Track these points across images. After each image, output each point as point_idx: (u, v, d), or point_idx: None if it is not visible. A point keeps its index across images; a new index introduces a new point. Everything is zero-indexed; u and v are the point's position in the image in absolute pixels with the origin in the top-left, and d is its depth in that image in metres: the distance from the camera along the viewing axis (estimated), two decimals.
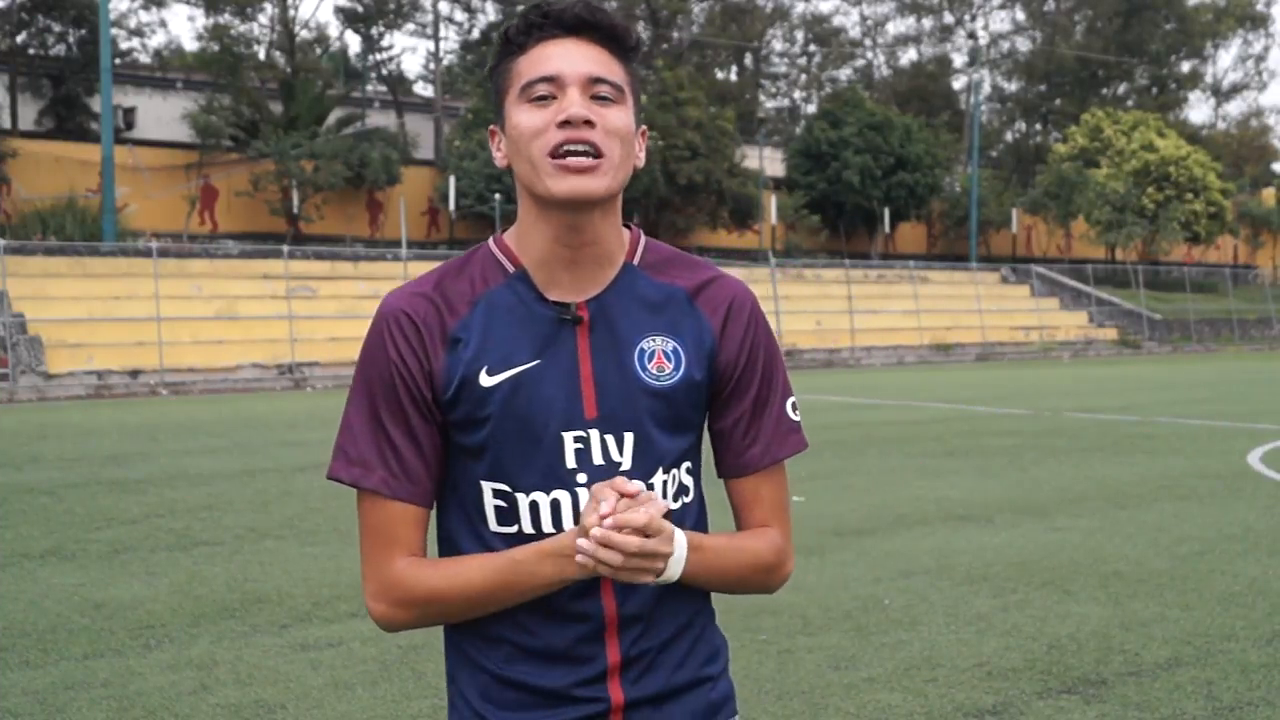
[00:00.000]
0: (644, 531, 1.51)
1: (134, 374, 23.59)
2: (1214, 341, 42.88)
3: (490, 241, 1.72)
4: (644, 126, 1.70)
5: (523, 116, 1.60)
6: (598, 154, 1.58)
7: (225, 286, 27.27)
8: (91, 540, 7.83)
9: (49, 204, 30.22)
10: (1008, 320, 39.08)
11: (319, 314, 27.38)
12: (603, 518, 1.50)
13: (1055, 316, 41.04)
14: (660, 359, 1.67)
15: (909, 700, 4.66)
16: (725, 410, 1.73)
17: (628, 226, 1.74)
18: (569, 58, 1.60)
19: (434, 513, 1.72)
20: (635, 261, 1.71)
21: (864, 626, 5.66)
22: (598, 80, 1.60)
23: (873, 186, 42.76)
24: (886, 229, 44.74)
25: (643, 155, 1.68)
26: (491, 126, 1.70)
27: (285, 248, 29.14)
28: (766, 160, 45.16)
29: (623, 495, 1.53)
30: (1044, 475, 10.55)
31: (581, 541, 1.51)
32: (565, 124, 1.57)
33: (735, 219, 40.44)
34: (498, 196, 34.69)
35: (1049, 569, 6.82)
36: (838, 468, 11.02)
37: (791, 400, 1.76)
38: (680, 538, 1.59)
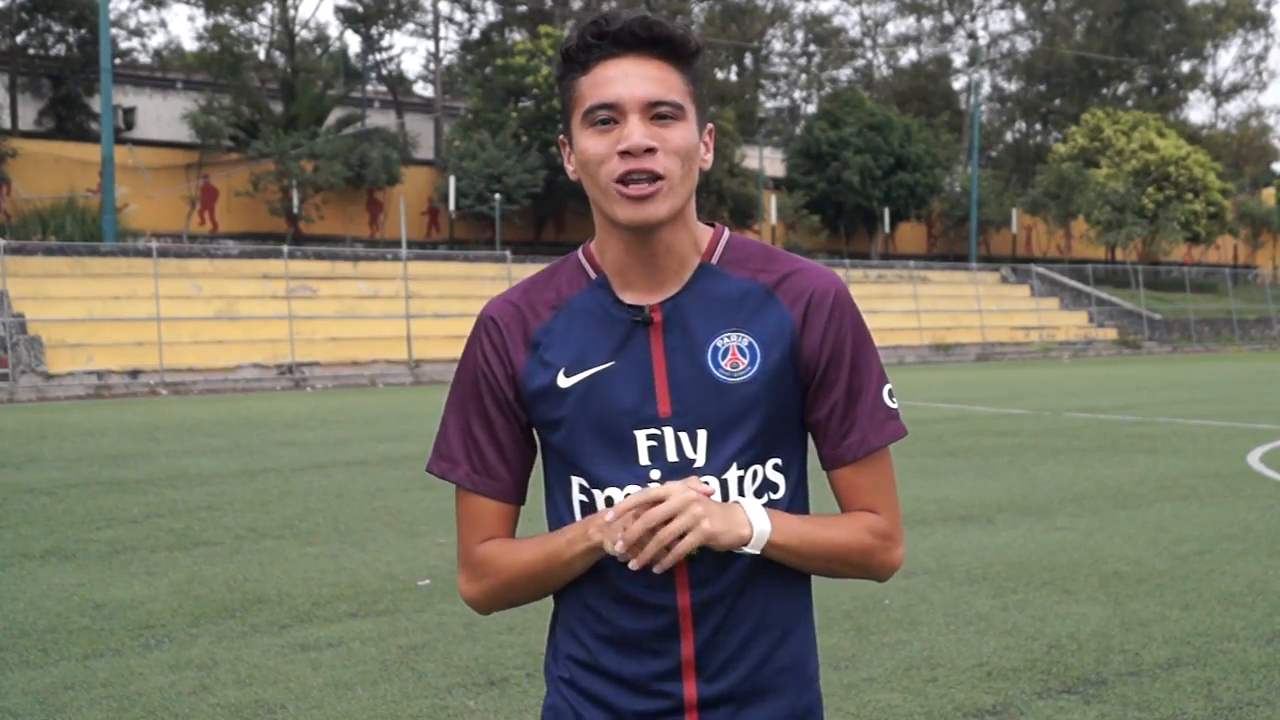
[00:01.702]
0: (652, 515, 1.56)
1: (134, 374, 23.60)
2: (1214, 341, 42.88)
3: (580, 249, 1.80)
4: (710, 125, 1.72)
5: (588, 142, 1.64)
6: (659, 178, 1.61)
7: (225, 286, 27.27)
8: (91, 540, 7.83)
9: (49, 204, 30.23)
10: (1008, 320, 39.10)
11: (319, 314, 27.38)
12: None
13: (1055, 316, 41.05)
14: (735, 355, 1.69)
15: (909, 700, 4.66)
16: (818, 402, 1.73)
17: (712, 225, 1.77)
18: (628, 81, 1.61)
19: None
20: (714, 260, 1.73)
21: (864, 626, 5.66)
22: (657, 103, 1.62)
23: (873, 186, 42.77)
24: (886, 229, 44.75)
25: (709, 156, 1.71)
26: (562, 138, 1.73)
27: (285, 248, 29.14)
28: (766, 160, 45.16)
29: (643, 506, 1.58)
30: (1044, 475, 10.55)
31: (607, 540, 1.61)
32: (625, 154, 1.60)
33: (735, 219, 40.44)
34: (498, 196, 34.70)
35: (1049, 569, 6.82)
36: None
37: (888, 387, 1.76)
38: (755, 504, 1.64)
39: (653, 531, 1.55)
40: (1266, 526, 8.09)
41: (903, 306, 36.91)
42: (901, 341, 35.37)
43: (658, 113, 1.62)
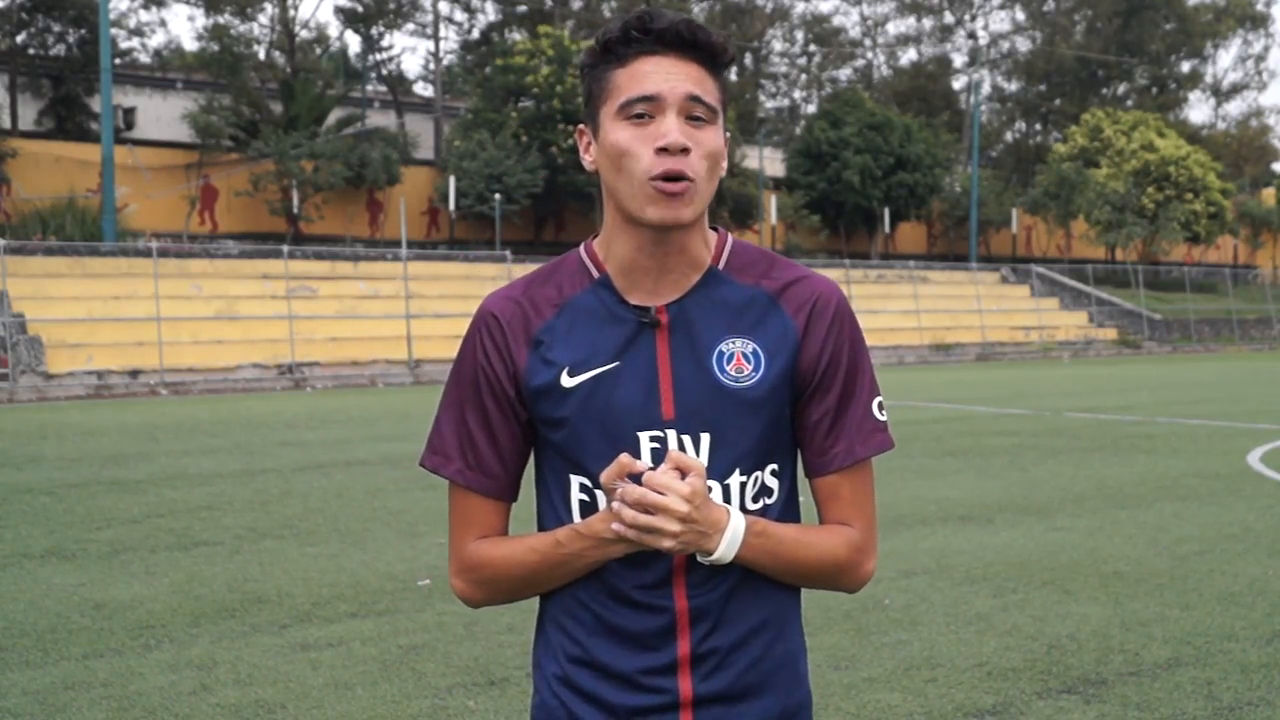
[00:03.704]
0: (650, 487, 1.58)
1: (134, 374, 23.59)
2: (1214, 341, 42.88)
3: (581, 246, 1.79)
4: (728, 134, 1.72)
5: (621, 135, 1.63)
6: (691, 180, 1.62)
7: (225, 286, 27.27)
8: (91, 540, 7.83)
9: (49, 204, 30.22)
10: (1008, 320, 39.09)
11: (319, 314, 27.38)
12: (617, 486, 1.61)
13: (1055, 316, 41.04)
14: (740, 361, 1.70)
15: (909, 700, 4.66)
16: (809, 408, 1.74)
17: (715, 229, 1.77)
18: (668, 78, 1.62)
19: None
20: (720, 265, 1.74)
21: (864, 626, 5.66)
22: (695, 102, 1.63)
23: (873, 186, 42.76)
24: (886, 229, 44.76)
25: (725, 164, 1.72)
26: (581, 126, 1.73)
27: (285, 248, 29.13)
28: (766, 160, 45.16)
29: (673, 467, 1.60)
30: (1044, 475, 10.55)
31: (614, 504, 1.60)
32: (663, 150, 1.60)
33: (735, 219, 40.47)
34: (498, 196, 34.69)
35: (1049, 569, 6.82)
36: None
37: (878, 399, 1.77)
38: (737, 519, 1.63)
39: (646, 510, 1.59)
40: (1266, 526, 8.09)
41: (903, 306, 36.90)
42: (901, 341, 35.37)
43: (694, 112, 1.63)
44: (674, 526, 1.56)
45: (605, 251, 1.73)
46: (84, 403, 20.89)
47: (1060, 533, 7.92)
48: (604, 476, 1.61)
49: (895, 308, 36.71)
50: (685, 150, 1.60)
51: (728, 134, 1.71)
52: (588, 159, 1.71)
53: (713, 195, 1.67)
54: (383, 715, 4.56)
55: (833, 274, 37.27)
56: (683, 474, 1.59)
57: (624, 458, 1.60)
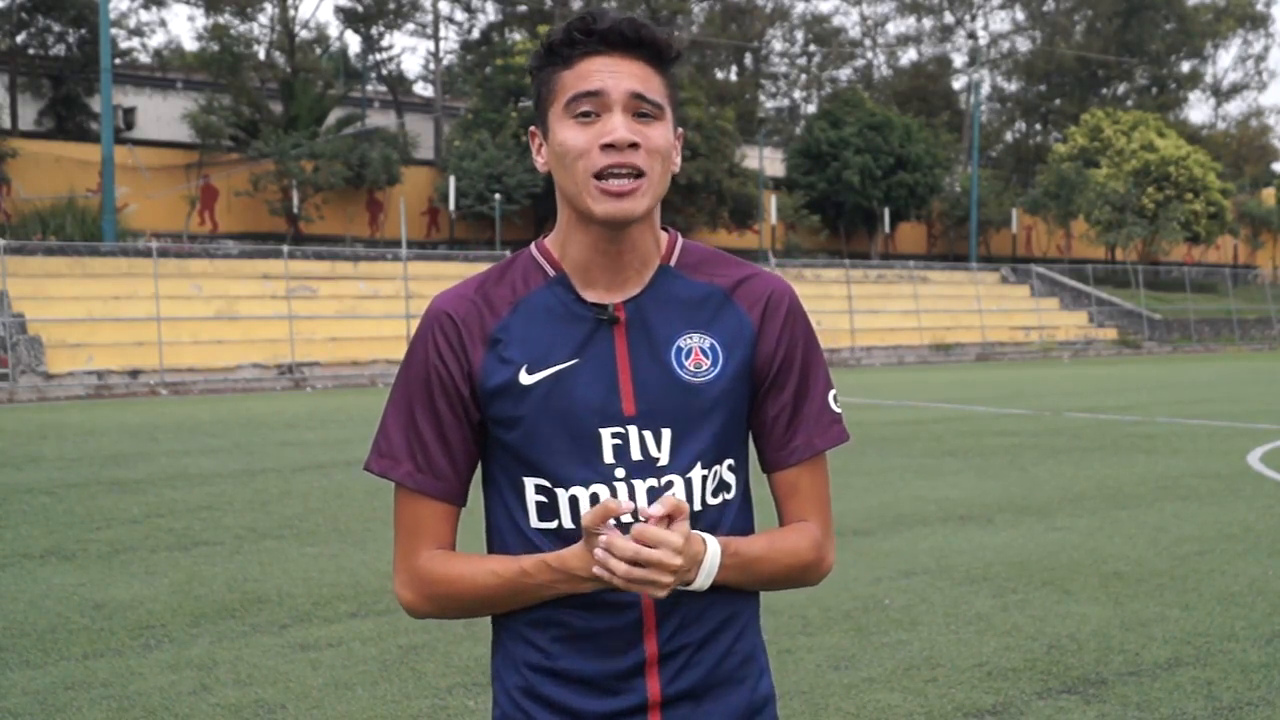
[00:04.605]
0: (642, 540, 1.52)
1: (134, 374, 23.60)
2: (1214, 341, 42.88)
3: (533, 245, 1.78)
4: (680, 130, 1.73)
5: (567, 133, 1.63)
6: (639, 174, 1.62)
7: (225, 286, 27.27)
8: (91, 540, 7.83)
9: (49, 204, 30.22)
10: (1008, 320, 39.10)
11: (319, 314, 27.38)
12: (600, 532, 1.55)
13: (1055, 316, 41.04)
14: (698, 356, 1.70)
15: (909, 700, 4.66)
16: (765, 404, 1.74)
17: (665, 229, 1.78)
18: (613, 75, 1.62)
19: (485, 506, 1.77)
20: (672, 263, 1.75)
21: (864, 626, 5.66)
22: (640, 99, 1.63)
23: (873, 186, 42.76)
24: (886, 229, 44.75)
25: (679, 160, 1.72)
26: (533, 129, 1.73)
27: (285, 248, 29.13)
28: (766, 160, 45.13)
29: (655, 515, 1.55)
30: (1044, 475, 10.55)
31: (597, 552, 1.54)
32: (609, 147, 1.60)
33: (735, 219, 40.44)
34: (498, 196, 34.69)
35: (1049, 569, 6.82)
36: (838, 467, 11.01)
37: (833, 393, 1.78)
38: (714, 548, 1.61)
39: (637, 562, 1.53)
40: (1266, 526, 8.09)
41: (903, 306, 36.90)
42: (901, 341, 35.37)
43: (640, 110, 1.63)
44: (667, 579, 1.53)
45: (559, 250, 1.73)
46: (84, 403, 20.89)
47: (1060, 533, 7.92)
48: (586, 521, 1.55)
49: (895, 308, 36.72)
50: (634, 146, 1.61)
51: (679, 131, 1.71)
52: (539, 160, 1.71)
53: (664, 191, 1.67)
54: (383, 715, 4.56)
55: (833, 274, 37.37)
56: (668, 519, 1.54)
57: (609, 502, 1.54)
